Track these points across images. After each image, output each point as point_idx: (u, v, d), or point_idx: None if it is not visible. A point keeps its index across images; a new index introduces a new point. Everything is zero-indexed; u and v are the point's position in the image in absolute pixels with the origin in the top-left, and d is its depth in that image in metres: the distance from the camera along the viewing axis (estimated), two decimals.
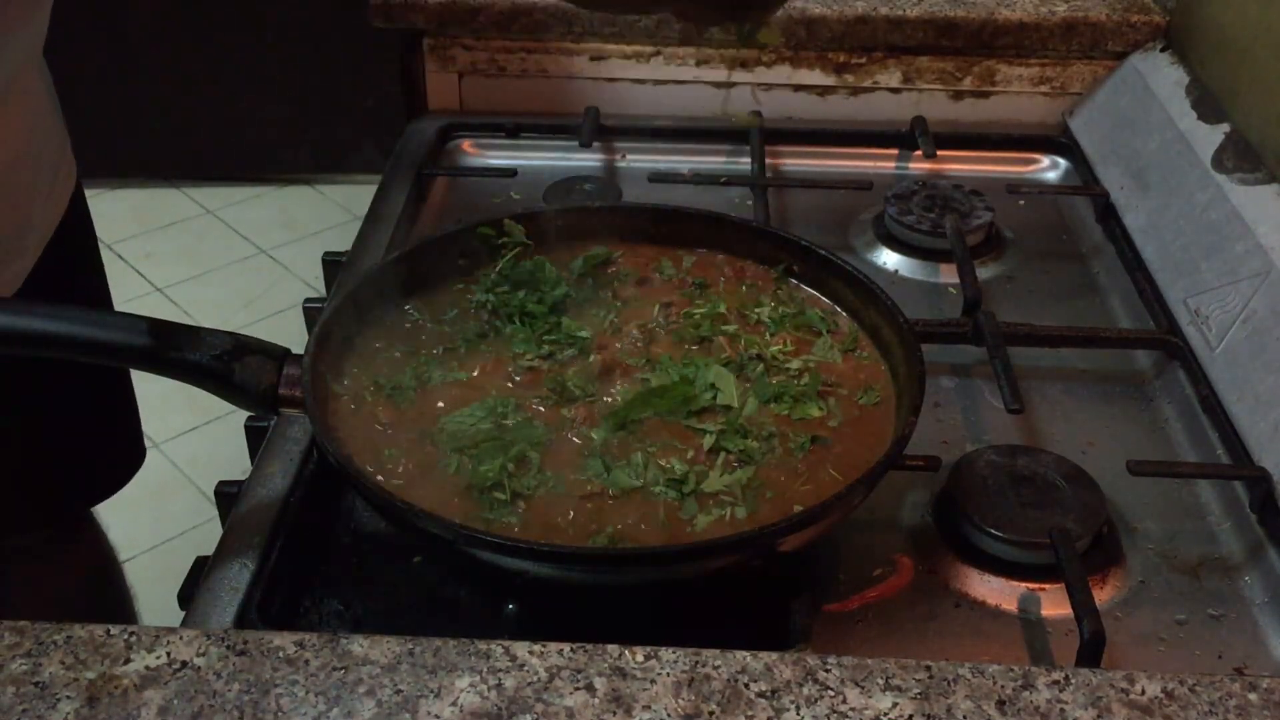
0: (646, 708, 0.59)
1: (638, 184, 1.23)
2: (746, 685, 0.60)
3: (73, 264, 1.12)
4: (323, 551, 0.83)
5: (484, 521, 0.74)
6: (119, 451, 1.24)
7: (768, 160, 1.26)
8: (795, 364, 0.85)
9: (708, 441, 0.79)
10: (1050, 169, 1.32)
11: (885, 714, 0.59)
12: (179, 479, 2.33)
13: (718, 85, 1.35)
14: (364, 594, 0.80)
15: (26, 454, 1.11)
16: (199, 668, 0.61)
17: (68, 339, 0.76)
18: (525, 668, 0.61)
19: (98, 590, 1.35)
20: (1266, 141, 1.05)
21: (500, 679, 0.60)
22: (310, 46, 3.10)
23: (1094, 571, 0.81)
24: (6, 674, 0.60)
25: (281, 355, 0.78)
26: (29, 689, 0.59)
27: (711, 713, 0.59)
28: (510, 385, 0.84)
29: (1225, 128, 1.10)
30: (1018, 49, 1.32)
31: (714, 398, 0.82)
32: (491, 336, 0.88)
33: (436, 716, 0.59)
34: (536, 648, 0.62)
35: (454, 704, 0.59)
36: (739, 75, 1.35)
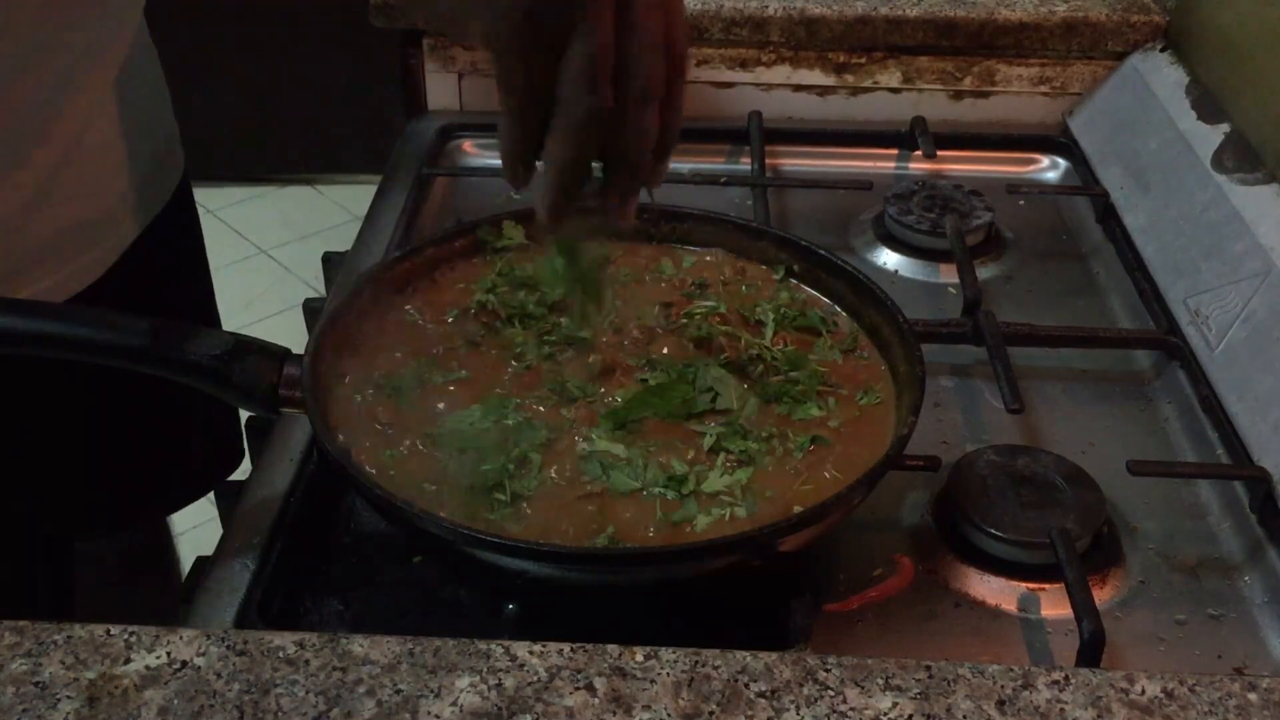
0: (646, 708, 0.59)
1: None
2: (746, 685, 0.60)
3: (170, 262, 1.10)
4: (323, 551, 0.83)
5: (484, 522, 0.74)
6: (215, 450, 1.23)
7: (768, 160, 1.26)
8: (798, 375, 0.85)
9: (708, 442, 0.79)
10: (1050, 169, 1.32)
11: (885, 714, 0.59)
12: None
13: (718, 85, 1.35)
14: (364, 594, 0.80)
15: (117, 450, 1.10)
16: (199, 668, 0.61)
17: (69, 339, 0.76)
18: (525, 668, 0.61)
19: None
20: (1266, 141, 1.05)
21: (500, 679, 0.60)
22: (310, 46, 3.10)
23: (1094, 571, 0.81)
24: (6, 674, 0.60)
25: (281, 355, 0.78)
26: (29, 689, 0.59)
27: (711, 713, 0.59)
28: (510, 385, 0.84)
29: (1225, 128, 1.10)
30: (1018, 49, 1.32)
31: (714, 400, 0.82)
32: (491, 336, 0.88)
33: (436, 716, 0.59)
34: (536, 648, 0.62)
35: (454, 704, 0.59)
36: (739, 75, 1.35)
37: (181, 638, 0.62)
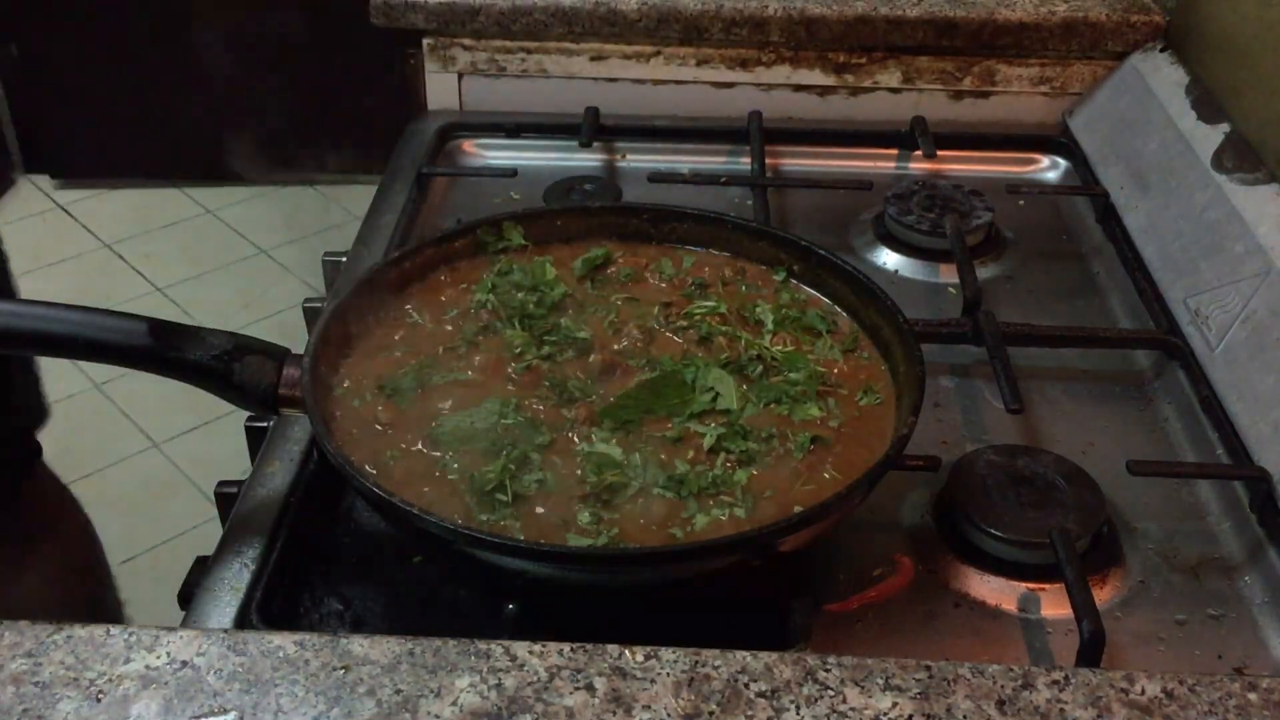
0: (646, 708, 0.59)
1: (638, 184, 1.23)
2: (746, 685, 0.60)
3: None
4: (323, 551, 0.83)
5: (484, 522, 0.74)
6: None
7: (768, 160, 1.26)
8: (798, 375, 0.85)
9: (708, 442, 0.79)
10: (1050, 169, 1.32)
11: (885, 714, 0.59)
12: (179, 479, 2.32)
13: (718, 85, 1.35)
14: (364, 594, 0.80)
15: None
16: (199, 668, 0.61)
17: (68, 339, 0.76)
18: (525, 668, 0.61)
19: (70, 590, 1.32)
20: (1266, 141, 1.05)
21: (500, 679, 0.60)
22: (310, 46, 3.10)
23: (1094, 571, 0.81)
24: (6, 674, 0.60)
25: (281, 355, 0.78)
26: (29, 689, 0.59)
27: (711, 713, 0.59)
28: (510, 385, 0.84)
29: (1225, 128, 1.10)
30: (1018, 49, 1.32)
31: (714, 400, 0.82)
32: (491, 337, 0.88)
33: (436, 716, 0.59)
34: (536, 648, 0.62)
35: (454, 704, 0.59)
36: (739, 75, 1.35)
37: (181, 638, 0.62)
